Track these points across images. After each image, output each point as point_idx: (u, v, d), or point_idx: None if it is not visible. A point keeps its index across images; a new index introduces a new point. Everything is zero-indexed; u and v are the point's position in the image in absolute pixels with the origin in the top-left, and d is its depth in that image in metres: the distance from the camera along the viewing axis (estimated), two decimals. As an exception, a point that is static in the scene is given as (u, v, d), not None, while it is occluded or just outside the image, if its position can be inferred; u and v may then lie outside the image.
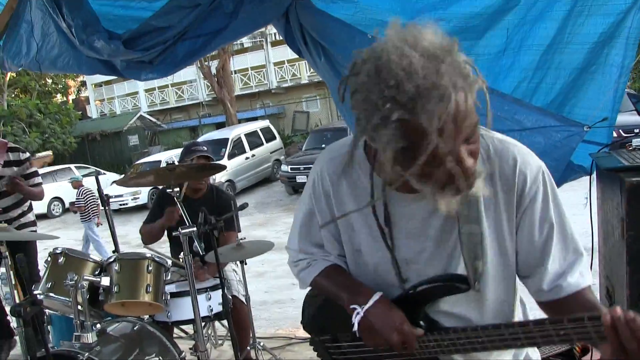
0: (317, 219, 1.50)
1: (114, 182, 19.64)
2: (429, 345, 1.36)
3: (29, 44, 4.22)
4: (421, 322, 1.37)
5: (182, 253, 2.69)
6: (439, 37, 1.02)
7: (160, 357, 2.90)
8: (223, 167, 3.35)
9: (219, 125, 27.42)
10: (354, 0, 3.30)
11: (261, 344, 3.81)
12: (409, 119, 0.96)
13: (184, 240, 2.65)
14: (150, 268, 2.92)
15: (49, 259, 2.98)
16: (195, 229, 2.66)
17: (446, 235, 1.33)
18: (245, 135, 18.16)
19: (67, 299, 2.75)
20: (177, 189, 2.74)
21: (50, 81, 29.50)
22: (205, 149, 3.87)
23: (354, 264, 1.50)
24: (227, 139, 16.98)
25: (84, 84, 38.21)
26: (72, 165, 21.03)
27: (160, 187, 3.79)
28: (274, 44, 30.83)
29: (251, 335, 3.75)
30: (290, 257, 1.62)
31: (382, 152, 1.06)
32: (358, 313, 1.36)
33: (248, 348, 3.66)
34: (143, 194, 16.65)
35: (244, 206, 3.43)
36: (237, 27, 3.59)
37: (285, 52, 30.41)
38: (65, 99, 33.19)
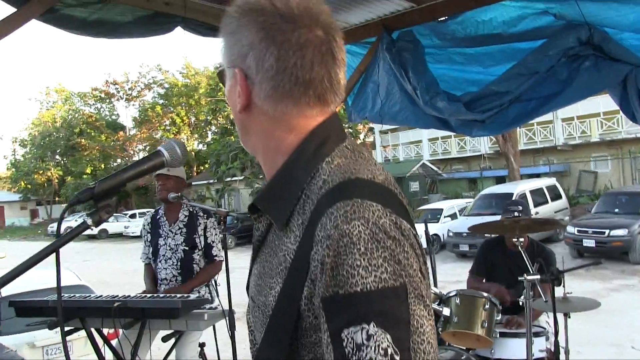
0: None
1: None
2: None
3: (374, 100, 4.98)
4: None
5: (522, 297, 3.00)
6: None
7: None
8: (562, 224, 3.58)
9: (499, 179, 27.14)
10: None
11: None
12: None
13: (527, 286, 2.96)
14: (486, 306, 3.29)
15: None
16: (538, 276, 2.95)
17: None
18: (531, 192, 17.77)
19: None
20: (522, 240, 3.07)
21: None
22: (521, 207, 4.14)
23: None
24: (512, 194, 16.80)
25: (371, 129, 41.41)
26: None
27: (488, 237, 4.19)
28: (565, 99, 29.45)
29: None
30: None
31: None
32: None
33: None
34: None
35: (599, 262, 3.53)
36: (570, 93, 3.76)
37: (575, 108, 28.92)
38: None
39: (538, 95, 3.97)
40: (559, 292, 3.43)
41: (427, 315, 0.86)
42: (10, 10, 3.28)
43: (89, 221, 1.01)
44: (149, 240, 4.31)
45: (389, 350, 0.78)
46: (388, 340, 0.79)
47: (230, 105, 1.05)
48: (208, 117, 35.84)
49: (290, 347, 0.90)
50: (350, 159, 0.98)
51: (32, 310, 3.51)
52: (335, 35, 1.00)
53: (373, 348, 0.78)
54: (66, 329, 3.58)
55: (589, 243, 14.26)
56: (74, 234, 0.99)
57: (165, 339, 3.46)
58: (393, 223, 0.86)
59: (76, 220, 34.06)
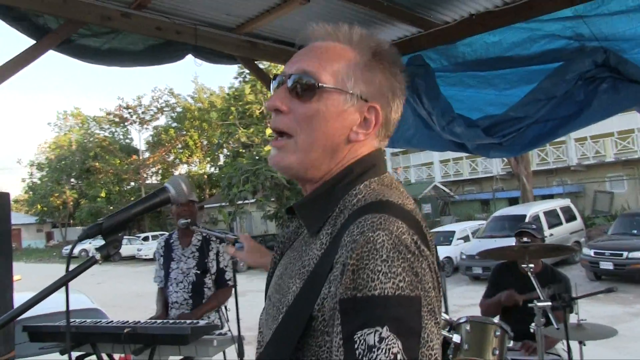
0: None
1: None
2: None
3: (386, 125, 4.97)
4: None
5: (533, 324, 2.97)
6: None
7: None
8: (573, 249, 3.57)
9: (512, 201, 27.00)
10: None
11: None
12: None
13: (537, 312, 2.93)
14: (497, 333, 3.25)
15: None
16: (549, 303, 2.93)
17: None
18: (544, 213, 17.63)
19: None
20: (531, 265, 3.06)
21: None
22: (535, 227, 4.12)
23: None
24: (525, 216, 16.68)
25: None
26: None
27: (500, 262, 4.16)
28: (578, 119, 29.26)
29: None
30: None
31: None
32: None
33: None
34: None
35: (612, 289, 3.47)
36: (589, 115, 3.72)
37: (588, 128, 28.51)
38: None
39: (554, 116, 3.95)
40: (573, 318, 3.39)
41: (436, 333, 0.88)
42: (30, 42, 3.37)
43: (97, 256, 1.04)
44: (161, 263, 4.35)
45: (399, 356, 0.80)
46: (399, 347, 0.81)
47: (318, 126, 1.06)
48: (220, 141, 36.04)
49: (296, 346, 0.93)
50: (387, 187, 1.05)
51: (44, 335, 3.52)
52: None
53: (384, 351, 0.80)
54: (78, 353, 3.59)
55: (607, 265, 14.04)
56: (82, 269, 1.01)
57: (175, 365, 3.45)
58: (414, 242, 0.91)
59: (90, 243, 34.10)
